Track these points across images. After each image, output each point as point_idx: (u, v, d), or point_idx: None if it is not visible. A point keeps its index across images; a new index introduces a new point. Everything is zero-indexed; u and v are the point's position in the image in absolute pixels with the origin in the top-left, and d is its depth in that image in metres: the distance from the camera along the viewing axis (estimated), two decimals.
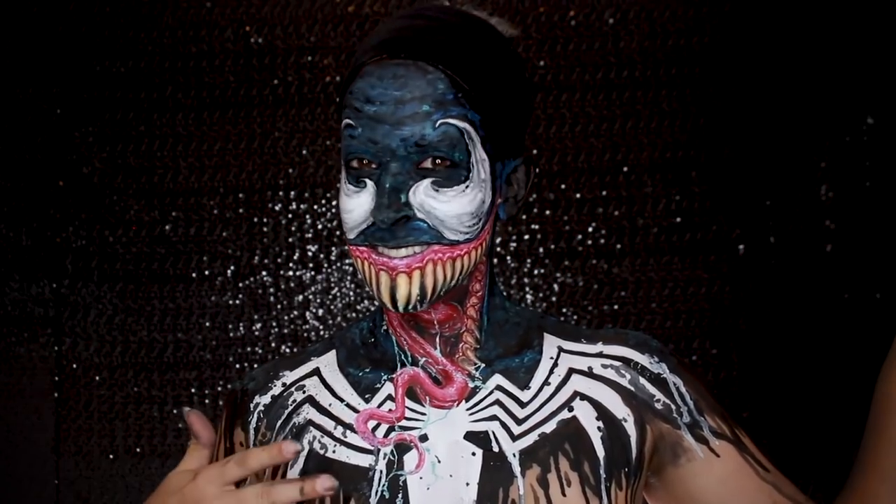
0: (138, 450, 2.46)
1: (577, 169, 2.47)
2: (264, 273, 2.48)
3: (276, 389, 1.23)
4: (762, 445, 1.23)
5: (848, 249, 2.43)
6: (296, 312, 2.48)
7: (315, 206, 2.49)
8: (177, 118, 2.50)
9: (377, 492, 1.13)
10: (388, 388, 1.18)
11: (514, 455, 1.13)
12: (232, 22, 2.51)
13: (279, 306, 2.48)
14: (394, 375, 1.19)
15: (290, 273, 2.48)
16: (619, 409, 1.17)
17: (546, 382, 1.18)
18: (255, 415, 1.23)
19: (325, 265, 2.48)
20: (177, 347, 2.48)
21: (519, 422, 1.15)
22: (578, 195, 2.47)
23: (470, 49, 1.11)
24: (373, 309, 1.56)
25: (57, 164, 2.49)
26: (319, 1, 2.51)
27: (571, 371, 1.19)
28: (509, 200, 1.17)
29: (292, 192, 2.49)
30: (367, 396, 1.19)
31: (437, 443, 1.15)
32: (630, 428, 1.17)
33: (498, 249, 2.46)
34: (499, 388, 1.17)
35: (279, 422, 1.21)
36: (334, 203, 2.48)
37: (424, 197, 1.09)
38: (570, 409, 1.16)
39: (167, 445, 2.45)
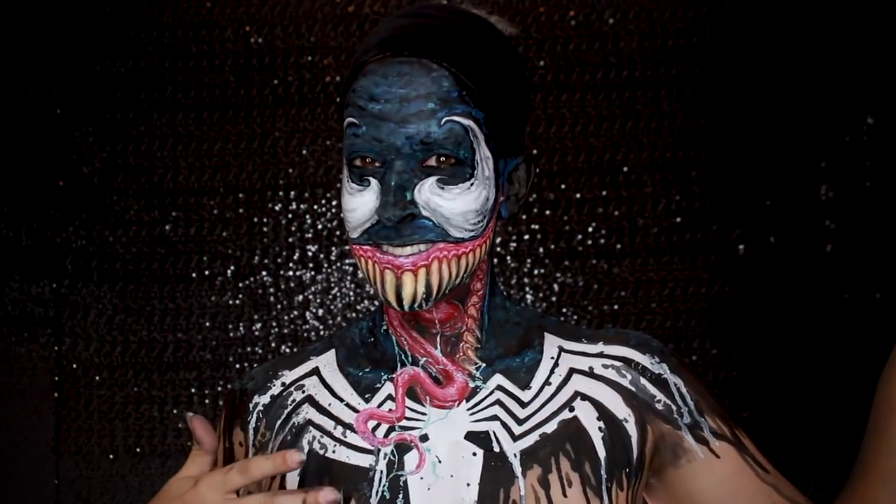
0: (138, 450, 2.45)
1: (577, 169, 2.47)
2: (264, 273, 2.48)
3: (276, 389, 1.23)
4: (762, 446, 1.23)
5: (848, 249, 2.43)
6: (296, 312, 2.48)
7: (315, 206, 2.49)
8: (177, 118, 2.50)
9: (378, 492, 1.13)
10: (388, 388, 1.18)
11: (515, 455, 1.13)
12: (232, 22, 2.51)
13: (279, 306, 2.48)
14: (394, 375, 1.18)
15: (290, 273, 2.48)
16: (620, 409, 1.17)
17: (547, 382, 1.18)
18: (255, 414, 1.22)
19: (325, 265, 2.48)
20: (177, 347, 2.47)
21: (520, 422, 1.15)
22: (578, 195, 2.47)
23: (472, 47, 1.11)
24: (373, 309, 1.56)
25: (57, 164, 2.49)
26: (319, 1, 2.51)
27: (572, 371, 1.19)
28: (511, 198, 1.17)
29: (292, 192, 2.49)
30: (367, 396, 1.18)
31: (438, 443, 1.14)
32: (631, 428, 1.17)
33: (498, 249, 2.46)
34: (499, 387, 1.17)
35: (278, 421, 1.21)
36: (334, 203, 2.48)
37: (430, 195, 1.08)
38: (571, 410, 1.16)
39: (167, 445, 2.45)
